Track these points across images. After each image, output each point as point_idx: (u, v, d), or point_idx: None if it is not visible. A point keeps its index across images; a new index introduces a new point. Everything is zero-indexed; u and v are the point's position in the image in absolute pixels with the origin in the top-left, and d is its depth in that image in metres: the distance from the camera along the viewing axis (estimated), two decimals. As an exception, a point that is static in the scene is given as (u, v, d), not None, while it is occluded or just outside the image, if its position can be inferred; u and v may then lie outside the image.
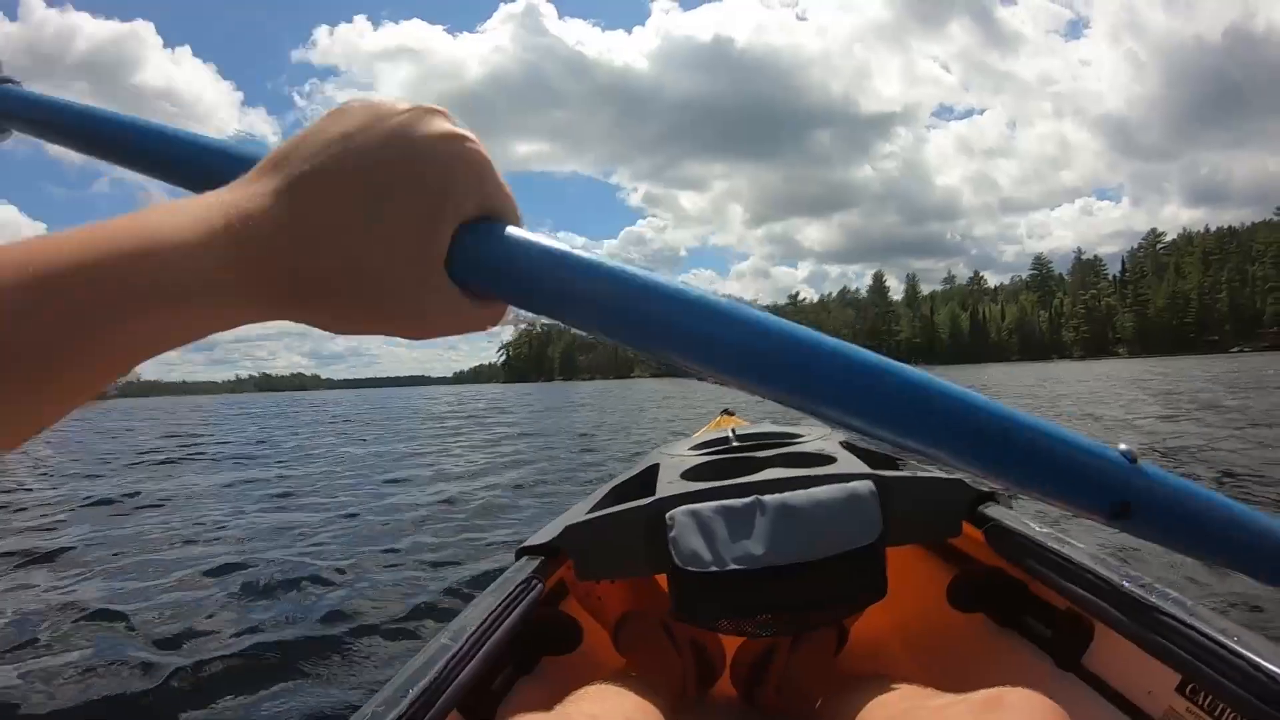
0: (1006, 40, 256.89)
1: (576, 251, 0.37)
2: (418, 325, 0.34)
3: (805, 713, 1.11)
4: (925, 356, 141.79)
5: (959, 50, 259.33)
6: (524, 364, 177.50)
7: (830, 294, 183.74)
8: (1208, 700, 0.78)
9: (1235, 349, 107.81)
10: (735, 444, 1.61)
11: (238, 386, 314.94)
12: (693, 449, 1.62)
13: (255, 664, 2.74)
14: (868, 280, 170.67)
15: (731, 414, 2.83)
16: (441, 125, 0.33)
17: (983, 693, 0.67)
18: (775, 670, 1.27)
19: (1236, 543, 0.42)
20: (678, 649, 1.27)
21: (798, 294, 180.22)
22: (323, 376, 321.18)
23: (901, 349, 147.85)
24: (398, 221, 0.32)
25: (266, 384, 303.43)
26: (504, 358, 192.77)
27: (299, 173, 0.31)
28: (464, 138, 0.34)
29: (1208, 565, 0.42)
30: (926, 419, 0.37)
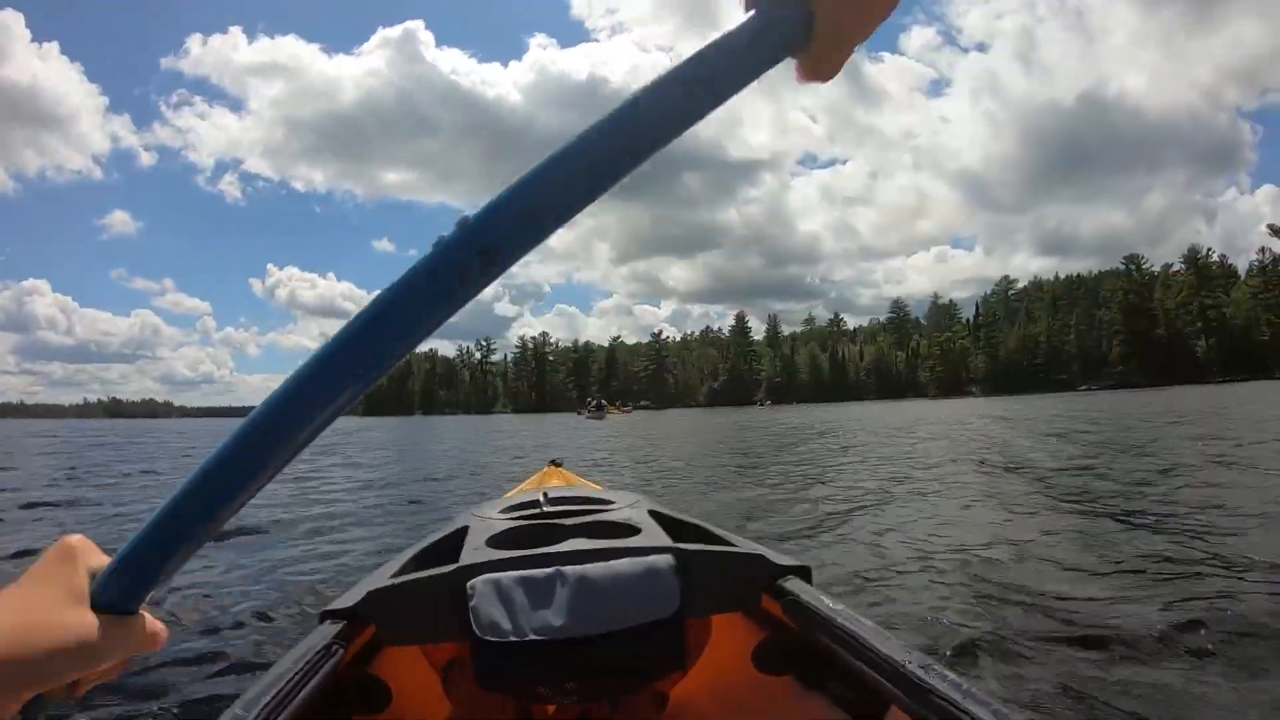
0: (872, 95, 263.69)
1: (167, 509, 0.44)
2: (89, 655, 0.44)
3: None
4: (786, 394, 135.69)
5: (826, 103, 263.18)
6: (383, 397, 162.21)
7: (693, 333, 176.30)
8: None
9: (1083, 387, 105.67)
10: (545, 508, 1.66)
11: (85, 411, 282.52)
12: (503, 511, 1.67)
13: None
14: (730, 320, 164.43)
15: (559, 464, 2.77)
16: (59, 543, 0.48)
17: None
18: None
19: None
20: (501, 702, 1.29)
21: (660, 332, 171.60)
22: (175, 403, 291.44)
23: (763, 387, 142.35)
24: (58, 597, 0.44)
25: (116, 409, 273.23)
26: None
27: (22, 587, 0.45)
28: (70, 545, 0.48)
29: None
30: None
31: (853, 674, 1.11)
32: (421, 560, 1.38)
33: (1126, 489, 6.64)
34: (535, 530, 1.44)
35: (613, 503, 1.64)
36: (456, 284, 0.41)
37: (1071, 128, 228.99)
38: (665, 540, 1.29)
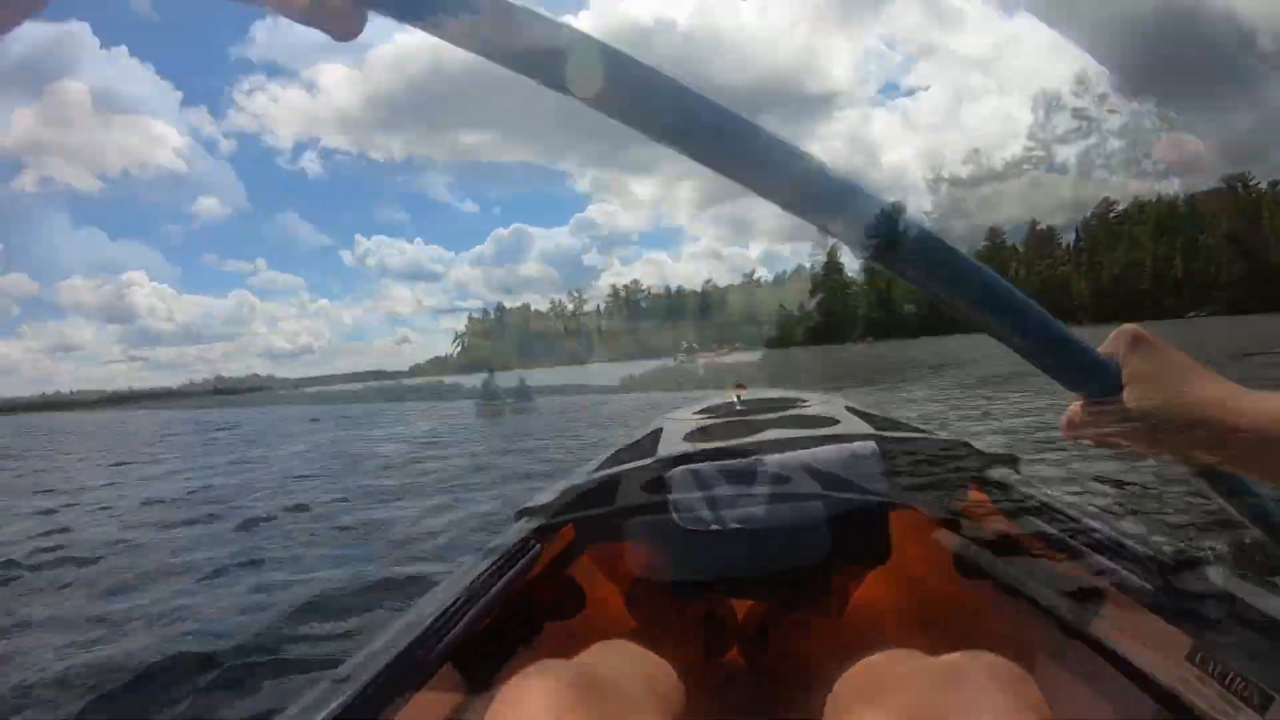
0: (948, 18, 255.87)
1: None
2: None
3: (806, 678, 1.06)
4: (885, 331, 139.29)
5: (902, 29, 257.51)
6: (481, 354, 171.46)
7: (785, 273, 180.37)
8: (1218, 669, 0.74)
9: (1191, 314, 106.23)
10: (740, 408, 1.59)
11: (192, 390, 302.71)
12: (697, 413, 1.59)
13: (250, 622, 3.08)
14: (822, 258, 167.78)
15: (743, 387, 2.83)
16: None
17: (946, 658, 0.66)
18: (776, 636, 1.22)
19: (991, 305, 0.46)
20: (688, 613, 1.23)
21: (753, 272, 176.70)
22: (278, 376, 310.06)
23: (859, 324, 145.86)
24: None
25: (221, 386, 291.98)
26: (460, 347, 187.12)
27: None
28: None
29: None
30: None
31: (1062, 572, 1.07)
32: (618, 459, 1.35)
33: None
34: (732, 426, 1.40)
35: (806, 400, 1.64)
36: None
37: (1158, 40, 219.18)
38: (865, 429, 1.24)
